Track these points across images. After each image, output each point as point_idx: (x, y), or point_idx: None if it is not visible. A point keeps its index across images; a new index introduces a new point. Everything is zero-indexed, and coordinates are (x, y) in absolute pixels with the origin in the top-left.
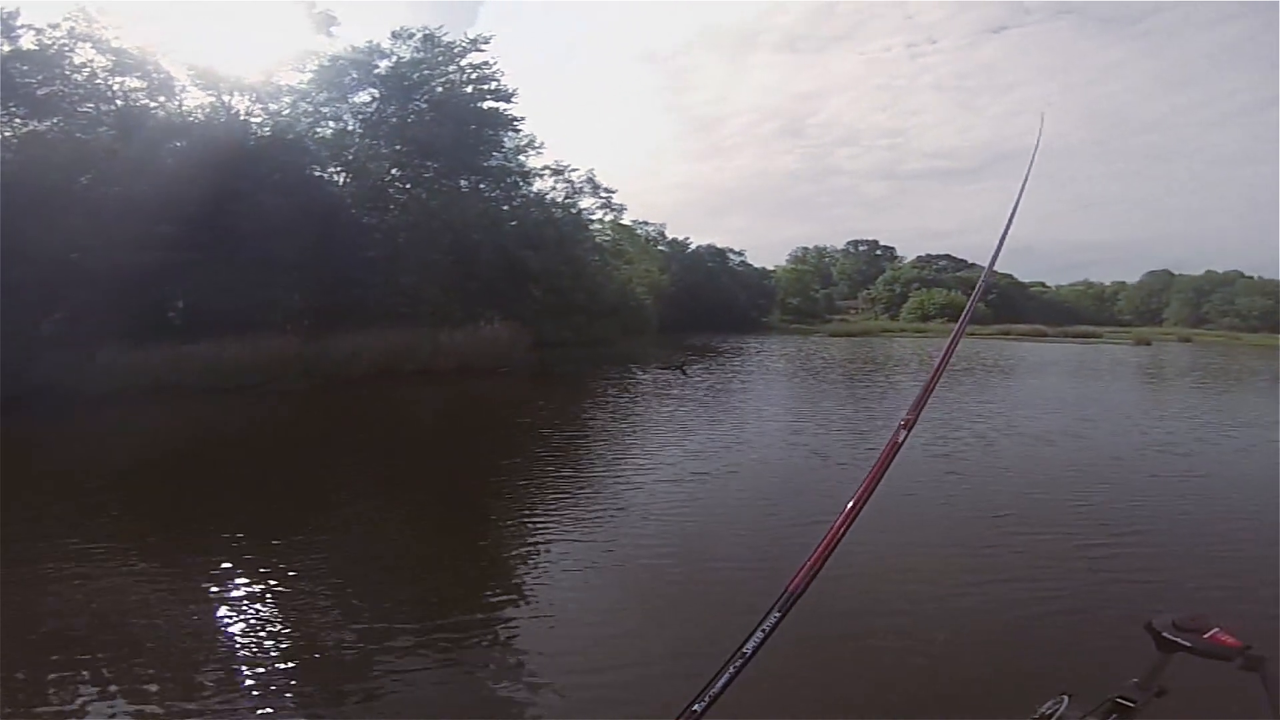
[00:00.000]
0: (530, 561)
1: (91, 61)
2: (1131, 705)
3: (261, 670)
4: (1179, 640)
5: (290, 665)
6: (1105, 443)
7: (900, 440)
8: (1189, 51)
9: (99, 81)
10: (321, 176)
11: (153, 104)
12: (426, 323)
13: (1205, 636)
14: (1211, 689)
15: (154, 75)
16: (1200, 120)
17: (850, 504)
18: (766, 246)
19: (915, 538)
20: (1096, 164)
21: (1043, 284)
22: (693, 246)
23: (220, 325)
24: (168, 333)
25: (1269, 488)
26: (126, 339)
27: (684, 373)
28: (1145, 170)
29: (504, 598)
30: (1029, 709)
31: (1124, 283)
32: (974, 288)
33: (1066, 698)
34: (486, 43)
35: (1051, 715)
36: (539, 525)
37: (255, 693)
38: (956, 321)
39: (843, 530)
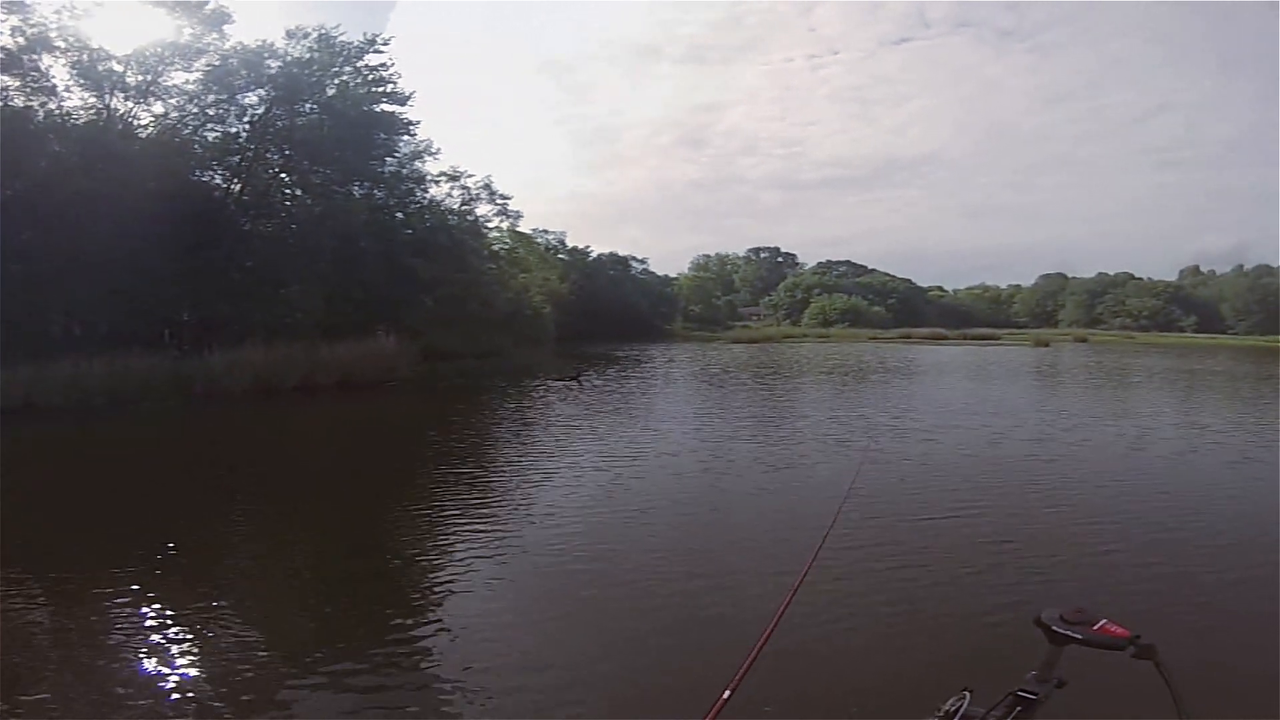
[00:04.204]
0: (434, 575)
1: None
2: (1034, 698)
3: (164, 705)
4: (1069, 633)
5: (198, 691)
6: (992, 439)
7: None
8: (1075, 65)
9: None
10: (205, 181)
11: (32, 104)
12: (311, 335)
13: (1094, 628)
14: (1108, 677)
15: (32, 73)
16: (1081, 133)
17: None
18: (662, 257)
19: (801, 542)
20: (983, 173)
21: (940, 288)
22: (594, 255)
23: (91, 340)
24: (42, 349)
25: (1147, 483)
26: None
27: (579, 383)
28: (1030, 180)
29: (414, 612)
30: (931, 707)
31: (1019, 286)
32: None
33: (968, 693)
34: (386, 44)
35: (955, 712)
36: (435, 540)
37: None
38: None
39: None
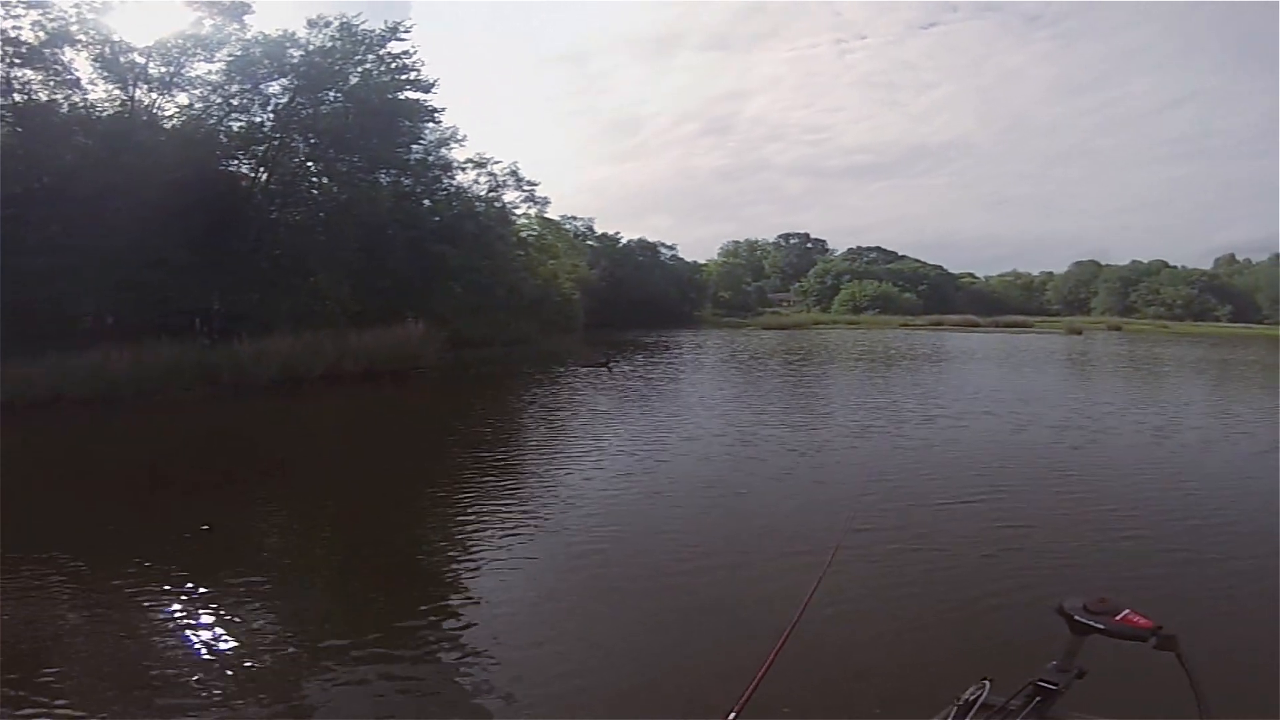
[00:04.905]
0: (459, 557)
1: None
2: (1054, 687)
3: (198, 688)
4: (1092, 623)
5: (227, 679)
6: (1018, 426)
7: None
8: (1096, 55)
9: None
10: (231, 171)
11: (57, 98)
12: (338, 323)
13: (1117, 618)
14: (1129, 668)
15: (55, 67)
16: (1101, 122)
17: None
18: (686, 245)
19: (822, 526)
20: (1007, 162)
21: (972, 275)
22: (623, 241)
23: (121, 331)
24: (71, 340)
25: (1173, 472)
26: (15, 348)
27: (609, 370)
28: (1050, 170)
29: (439, 592)
30: (951, 697)
31: (1052, 273)
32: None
33: (988, 683)
34: (408, 31)
35: (974, 701)
36: (461, 523)
37: (194, 710)
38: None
39: None
